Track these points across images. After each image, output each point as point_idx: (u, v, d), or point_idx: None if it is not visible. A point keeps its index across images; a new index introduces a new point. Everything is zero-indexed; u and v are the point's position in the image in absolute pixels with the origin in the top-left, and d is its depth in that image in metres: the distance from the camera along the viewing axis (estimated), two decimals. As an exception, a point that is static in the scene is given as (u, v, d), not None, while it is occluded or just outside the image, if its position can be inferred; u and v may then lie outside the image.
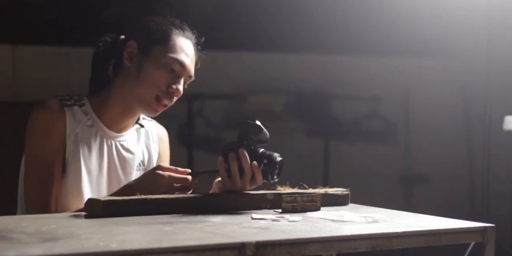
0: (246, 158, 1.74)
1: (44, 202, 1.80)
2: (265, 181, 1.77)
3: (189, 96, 4.26)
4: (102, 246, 1.21)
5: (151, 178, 1.78)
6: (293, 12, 4.66)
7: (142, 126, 2.01)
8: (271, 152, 1.76)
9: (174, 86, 1.87)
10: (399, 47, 4.85)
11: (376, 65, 4.82)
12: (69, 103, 1.88)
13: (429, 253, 2.64)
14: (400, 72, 4.86)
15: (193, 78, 1.93)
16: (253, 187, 1.79)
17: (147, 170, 1.97)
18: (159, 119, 2.11)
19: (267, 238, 1.34)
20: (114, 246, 1.21)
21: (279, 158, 1.75)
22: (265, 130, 1.78)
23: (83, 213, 1.63)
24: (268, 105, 4.54)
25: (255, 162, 1.74)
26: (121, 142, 1.93)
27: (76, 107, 1.88)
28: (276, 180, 1.78)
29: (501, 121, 3.38)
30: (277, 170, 1.75)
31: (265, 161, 1.74)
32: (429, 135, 4.92)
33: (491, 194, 3.36)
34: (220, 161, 1.77)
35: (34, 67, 4.09)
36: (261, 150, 1.77)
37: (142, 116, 2.02)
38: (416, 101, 4.93)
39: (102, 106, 1.90)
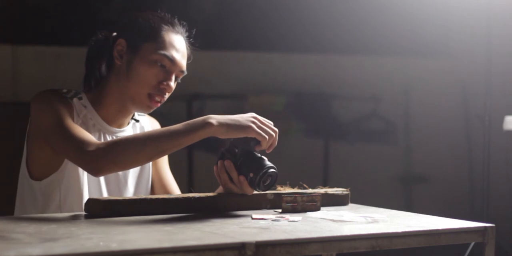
0: (232, 171, 1.71)
1: (87, 137, 1.73)
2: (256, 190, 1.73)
3: (189, 96, 4.26)
4: (102, 246, 1.21)
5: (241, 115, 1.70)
6: (293, 12, 4.66)
7: (137, 121, 2.02)
8: (264, 164, 1.70)
9: (165, 83, 1.85)
10: (399, 47, 4.85)
11: (376, 65, 4.82)
12: (68, 96, 1.86)
13: (429, 253, 2.64)
14: (400, 72, 4.86)
15: (185, 73, 1.90)
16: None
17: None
18: (160, 119, 2.11)
19: (267, 238, 1.34)
20: (114, 246, 1.21)
21: (270, 170, 1.69)
22: None
23: (83, 213, 1.63)
24: (268, 105, 4.54)
25: (241, 176, 1.70)
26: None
27: (75, 99, 1.87)
28: (266, 192, 1.74)
29: (501, 121, 3.38)
30: (267, 182, 1.71)
31: (251, 174, 1.69)
32: (429, 135, 4.92)
33: (491, 194, 3.35)
34: (215, 168, 1.76)
35: (34, 67, 4.09)
36: (257, 156, 1.71)
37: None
38: (416, 101, 4.93)
39: (99, 103, 1.90)
